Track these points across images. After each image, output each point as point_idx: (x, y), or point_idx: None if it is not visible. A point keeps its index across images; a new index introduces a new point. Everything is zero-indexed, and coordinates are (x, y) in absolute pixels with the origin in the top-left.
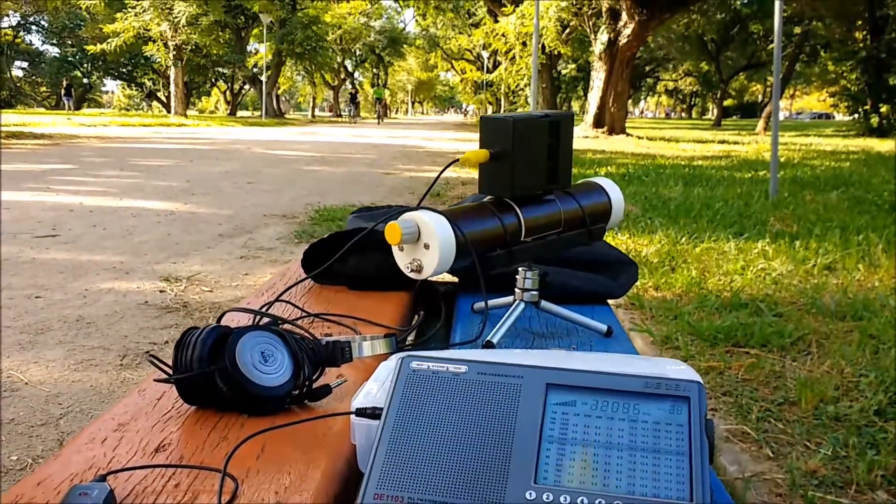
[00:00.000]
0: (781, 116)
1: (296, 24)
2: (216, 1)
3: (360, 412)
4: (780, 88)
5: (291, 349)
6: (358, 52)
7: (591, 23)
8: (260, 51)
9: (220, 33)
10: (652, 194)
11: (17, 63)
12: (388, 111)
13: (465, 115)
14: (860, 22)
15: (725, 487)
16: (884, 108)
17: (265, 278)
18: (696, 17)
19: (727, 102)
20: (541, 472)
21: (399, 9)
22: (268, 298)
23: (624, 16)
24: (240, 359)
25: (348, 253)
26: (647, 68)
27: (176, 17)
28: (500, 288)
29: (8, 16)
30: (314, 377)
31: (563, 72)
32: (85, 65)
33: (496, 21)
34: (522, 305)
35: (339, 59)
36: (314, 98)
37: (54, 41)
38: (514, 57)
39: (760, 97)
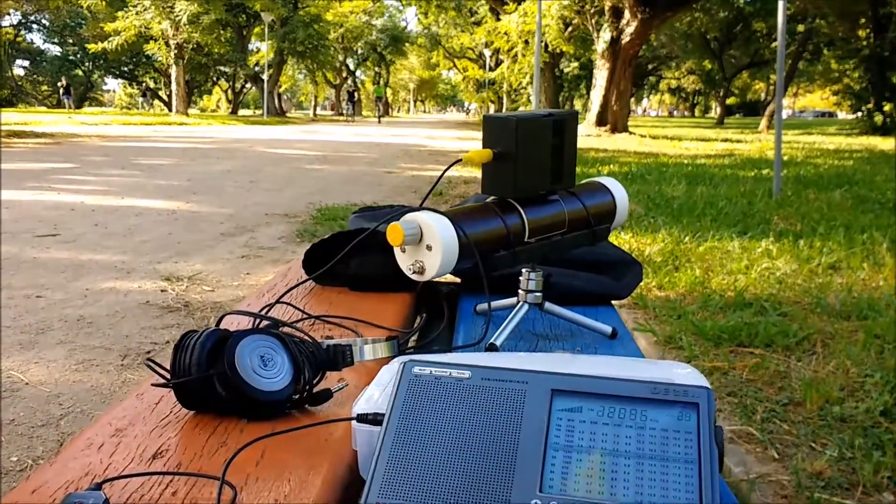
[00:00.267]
0: (784, 115)
1: (297, 23)
2: None
3: (362, 418)
4: (783, 86)
5: (291, 353)
6: (359, 51)
7: (593, 21)
8: (261, 49)
9: (222, 32)
10: (655, 193)
11: (19, 62)
12: (389, 110)
13: (468, 114)
14: (863, 20)
15: (730, 489)
16: (887, 107)
17: (267, 277)
18: (698, 15)
19: (730, 101)
20: (546, 481)
21: (401, 7)
22: (268, 300)
23: (626, 14)
24: (239, 363)
25: (350, 254)
26: (650, 66)
27: (177, 16)
28: (504, 289)
29: (9, 14)
30: (315, 381)
31: (566, 70)
32: (86, 63)
33: (498, 19)
34: (526, 307)
35: (340, 58)
36: (316, 97)
37: (55, 40)
38: (516, 55)
39: (763, 95)
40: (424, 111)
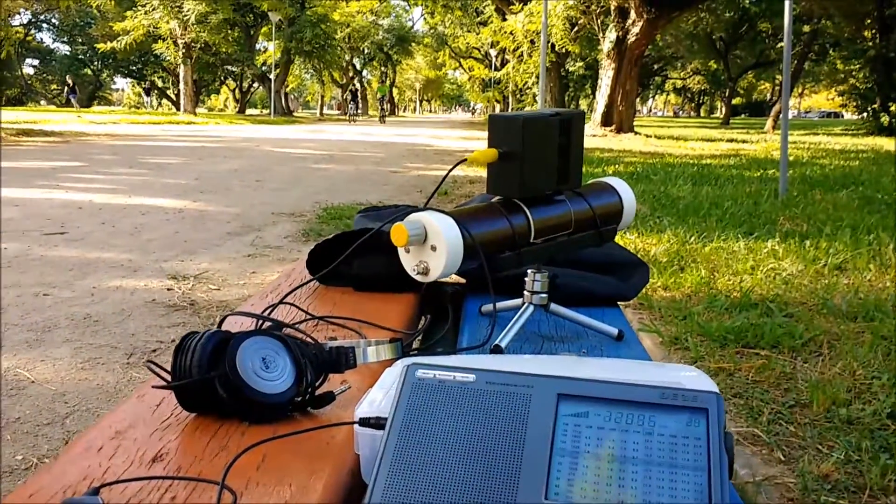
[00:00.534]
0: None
1: (304, 23)
2: None
3: (364, 422)
4: (789, 87)
5: (294, 355)
6: (366, 51)
7: (599, 21)
8: (269, 49)
9: (229, 31)
10: (660, 193)
11: (28, 61)
12: (395, 109)
13: (473, 114)
14: (869, 21)
15: (736, 491)
16: (893, 107)
17: (272, 277)
18: (704, 16)
19: (735, 101)
20: (552, 487)
21: (407, 7)
22: (272, 300)
23: (632, 14)
24: (240, 365)
25: (354, 254)
26: (656, 66)
27: (185, 16)
28: (509, 290)
29: (19, 13)
30: (317, 383)
31: (572, 70)
32: (95, 62)
33: (504, 19)
34: (531, 308)
35: (347, 58)
36: (322, 96)
37: (65, 39)
38: (521, 55)
39: (769, 96)
40: (430, 111)
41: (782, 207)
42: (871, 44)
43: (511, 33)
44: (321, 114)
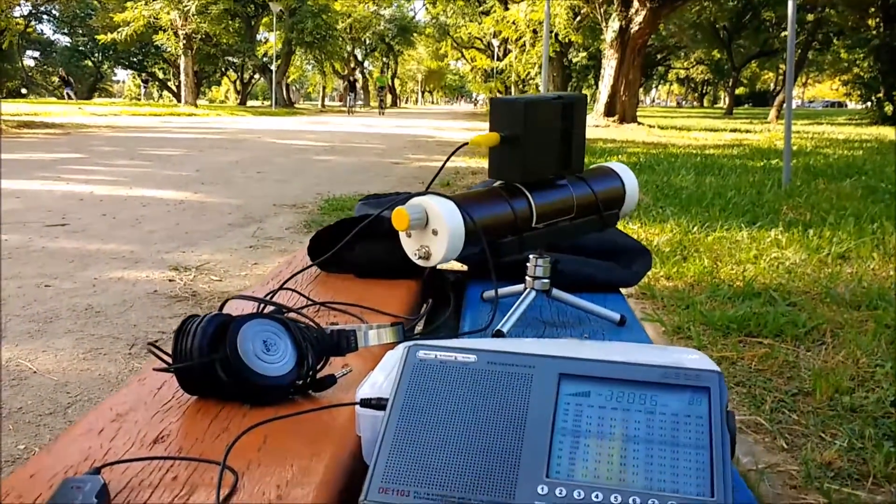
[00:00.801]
0: (794, 105)
1: (305, 13)
2: None
3: (365, 403)
4: (793, 76)
5: (295, 338)
6: (368, 41)
7: (602, 10)
8: (270, 40)
9: (230, 22)
10: (663, 183)
11: (29, 52)
12: (397, 100)
13: (476, 105)
14: (873, 9)
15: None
16: None
17: (274, 267)
18: (707, 5)
19: (739, 91)
20: (553, 466)
21: None
22: (273, 286)
23: (635, 3)
24: (241, 347)
25: (355, 240)
26: (659, 56)
27: (185, 6)
28: (511, 276)
29: (20, 5)
30: (318, 367)
31: (574, 60)
32: (96, 54)
33: (506, 8)
34: (533, 294)
35: (348, 49)
36: (324, 87)
37: (65, 30)
38: (524, 45)
39: (772, 85)
40: (432, 102)
41: (786, 197)
42: (875, 33)
43: (513, 23)
44: (323, 105)
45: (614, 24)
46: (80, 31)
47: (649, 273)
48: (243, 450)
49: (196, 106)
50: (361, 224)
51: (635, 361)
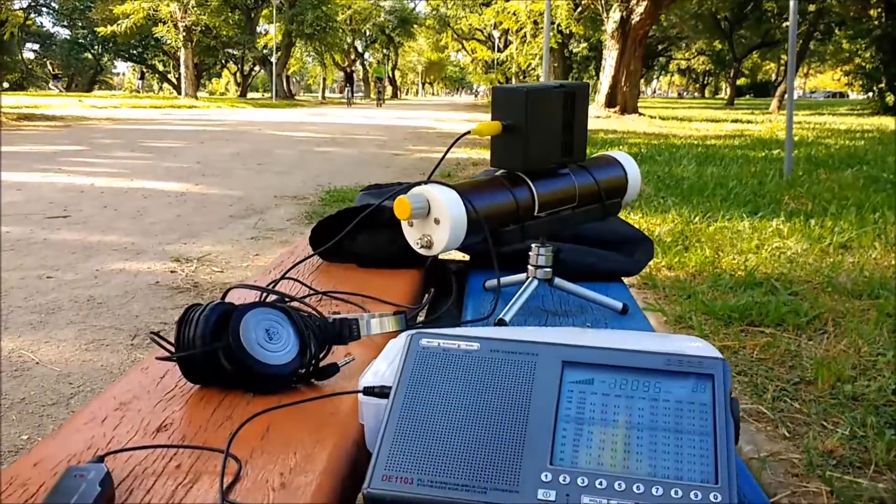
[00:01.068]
0: (795, 95)
1: (305, 5)
2: None
3: (368, 391)
4: (794, 66)
5: (297, 326)
6: (368, 33)
7: (603, 1)
8: (270, 32)
9: (230, 14)
10: (665, 174)
11: (29, 45)
12: (397, 92)
13: (476, 96)
14: (875, 0)
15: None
16: None
17: (276, 258)
18: None
19: (740, 81)
20: (557, 453)
21: None
22: (275, 276)
23: None
24: (244, 336)
25: (357, 230)
26: (660, 47)
27: None
28: (513, 265)
29: None
30: (321, 355)
31: (575, 51)
32: (95, 47)
33: (507, 0)
34: (535, 283)
35: (349, 40)
36: (324, 79)
37: (65, 23)
38: (525, 36)
39: (774, 76)
40: (433, 93)
41: (787, 187)
42: (876, 23)
43: (514, 14)
44: (323, 97)
45: (615, 15)
46: (80, 24)
47: (651, 263)
48: (246, 438)
49: (196, 98)
50: (362, 214)
51: (638, 349)
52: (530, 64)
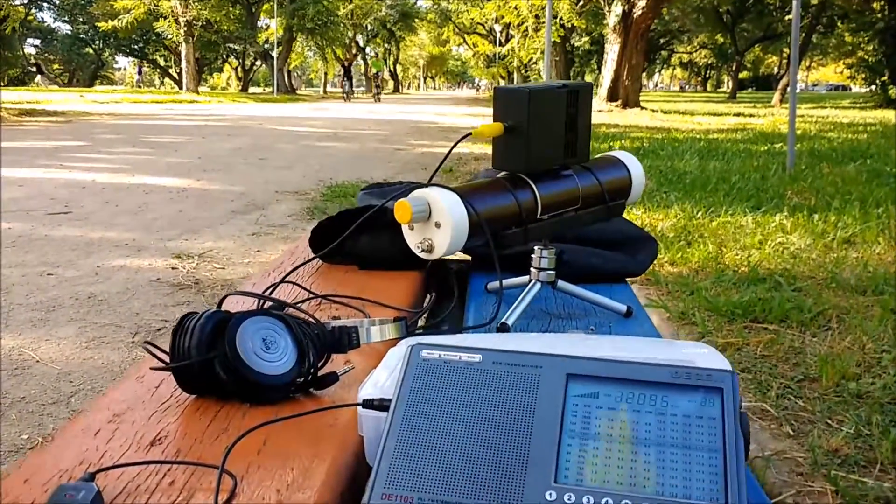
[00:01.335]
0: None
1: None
2: None
3: (367, 404)
4: (798, 60)
5: (295, 335)
6: (369, 27)
7: None
8: (271, 26)
9: (231, 9)
10: (667, 168)
11: (30, 40)
12: (399, 86)
13: (478, 91)
14: None
15: (752, 472)
16: None
17: (277, 255)
18: None
19: (742, 75)
20: (561, 471)
21: None
22: (274, 278)
23: None
24: (240, 346)
25: (358, 231)
26: (662, 41)
27: None
28: (515, 266)
29: None
30: (320, 364)
31: (577, 45)
32: (97, 42)
33: None
34: (538, 285)
35: (350, 35)
36: (326, 74)
37: (66, 18)
38: (526, 30)
39: (776, 69)
40: (434, 88)
41: (790, 181)
42: (879, 16)
43: (516, 8)
44: (324, 91)
45: (617, 9)
46: (81, 19)
47: None
48: (243, 452)
49: (198, 93)
50: (363, 217)
51: (644, 358)
52: (532, 58)
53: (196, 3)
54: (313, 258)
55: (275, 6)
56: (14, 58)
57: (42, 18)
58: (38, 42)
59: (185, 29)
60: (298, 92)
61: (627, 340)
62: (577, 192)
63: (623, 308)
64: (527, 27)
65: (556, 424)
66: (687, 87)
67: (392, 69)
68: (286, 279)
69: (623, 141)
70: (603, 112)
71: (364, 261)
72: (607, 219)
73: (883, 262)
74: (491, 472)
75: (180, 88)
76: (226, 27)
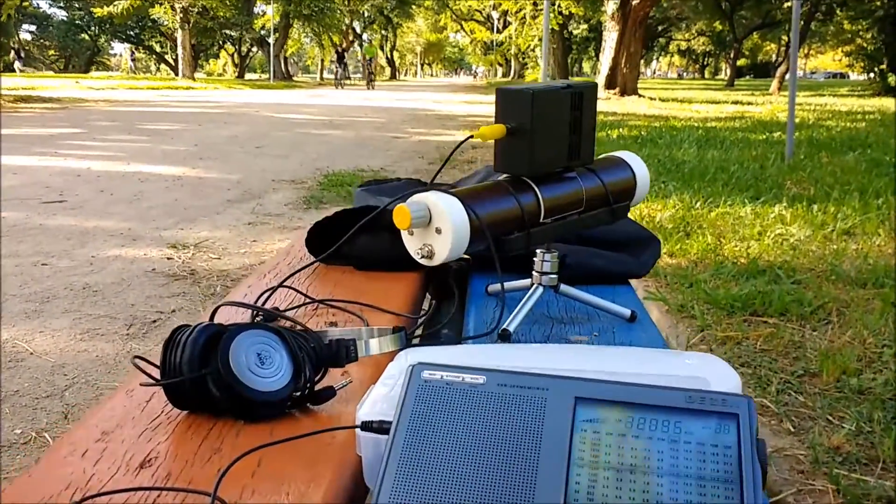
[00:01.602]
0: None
1: None
2: None
3: (367, 426)
4: (797, 47)
5: (291, 349)
6: (366, 14)
7: None
8: (267, 12)
9: None
10: (665, 157)
11: (25, 26)
12: (396, 73)
13: (475, 77)
14: None
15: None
16: None
17: (273, 245)
18: None
19: (740, 62)
20: (570, 502)
21: None
22: (269, 280)
23: None
24: (233, 361)
25: (355, 232)
26: (660, 28)
27: None
28: (516, 266)
29: None
30: (317, 378)
31: (575, 32)
32: (92, 28)
33: None
34: (540, 290)
35: (346, 21)
36: (322, 60)
37: (61, 4)
38: (524, 17)
39: (774, 57)
40: (432, 74)
41: (789, 171)
42: (878, 3)
43: None
44: (321, 78)
45: None
46: (77, 5)
47: None
48: (236, 475)
49: (194, 79)
50: (362, 221)
51: (652, 373)
52: (530, 45)
53: None
54: (312, 263)
55: None
56: (10, 44)
57: (37, 4)
58: (33, 28)
59: (181, 15)
60: (295, 78)
61: (633, 352)
62: (581, 194)
63: (627, 313)
64: (524, 14)
65: (563, 452)
66: (685, 74)
67: (389, 56)
68: (284, 284)
69: (621, 129)
70: (601, 100)
71: (361, 262)
72: (612, 221)
73: (883, 254)
74: (496, 502)
75: (176, 75)
76: (222, 13)
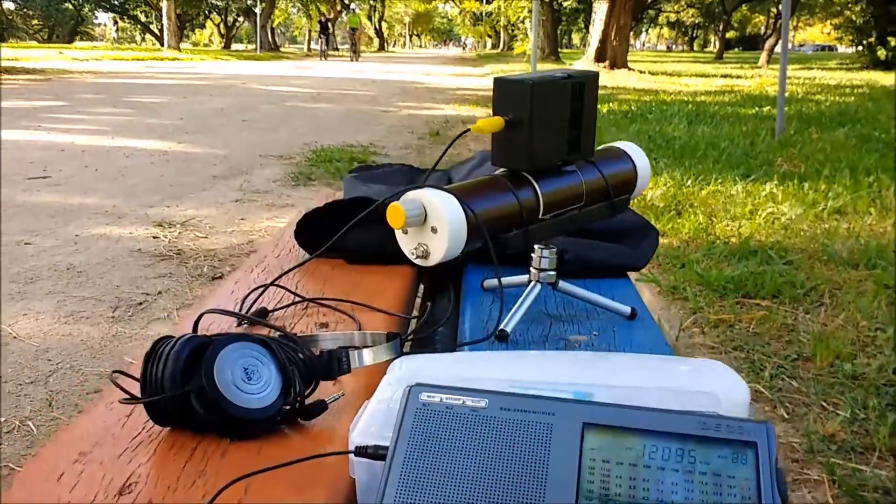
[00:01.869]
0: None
1: None
2: None
3: (361, 452)
4: (788, 23)
5: (280, 362)
6: None
7: None
8: None
9: None
10: (656, 133)
11: None
12: (384, 44)
13: (464, 49)
14: None
15: None
16: (893, 41)
17: (261, 224)
18: None
19: (729, 35)
20: None
21: None
22: (257, 276)
23: None
24: (218, 377)
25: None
26: (649, 0)
27: None
28: (512, 258)
29: None
30: (307, 392)
31: (564, 4)
32: None
33: None
34: (539, 287)
35: None
36: (310, 31)
37: None
38: None
39: (763, 29)
40: (420, 46)
41: (779, 147)
42: None
43: None
44: (308, 49)
45: None
46: None
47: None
48: (222, 501)
49: (179, 50)
50: (353, 221)
51: (659, 385)
52: (519, 17)
53: None
54: (302, 263)
55: None
56: None
57: None
58: None
59: None
60: (282, 49)
61: (638, 360)
62: (581, 188)
63: (627, 310)
64: None
65: (572, 484)
66: (674, 46)
67: (377, 27)
68: (275, 283)
69: (611, 104)
70: None
71: (353, 256)
72: (612, 215)
73: (874, 233)
74: None
75: (161, 45)
76: None
